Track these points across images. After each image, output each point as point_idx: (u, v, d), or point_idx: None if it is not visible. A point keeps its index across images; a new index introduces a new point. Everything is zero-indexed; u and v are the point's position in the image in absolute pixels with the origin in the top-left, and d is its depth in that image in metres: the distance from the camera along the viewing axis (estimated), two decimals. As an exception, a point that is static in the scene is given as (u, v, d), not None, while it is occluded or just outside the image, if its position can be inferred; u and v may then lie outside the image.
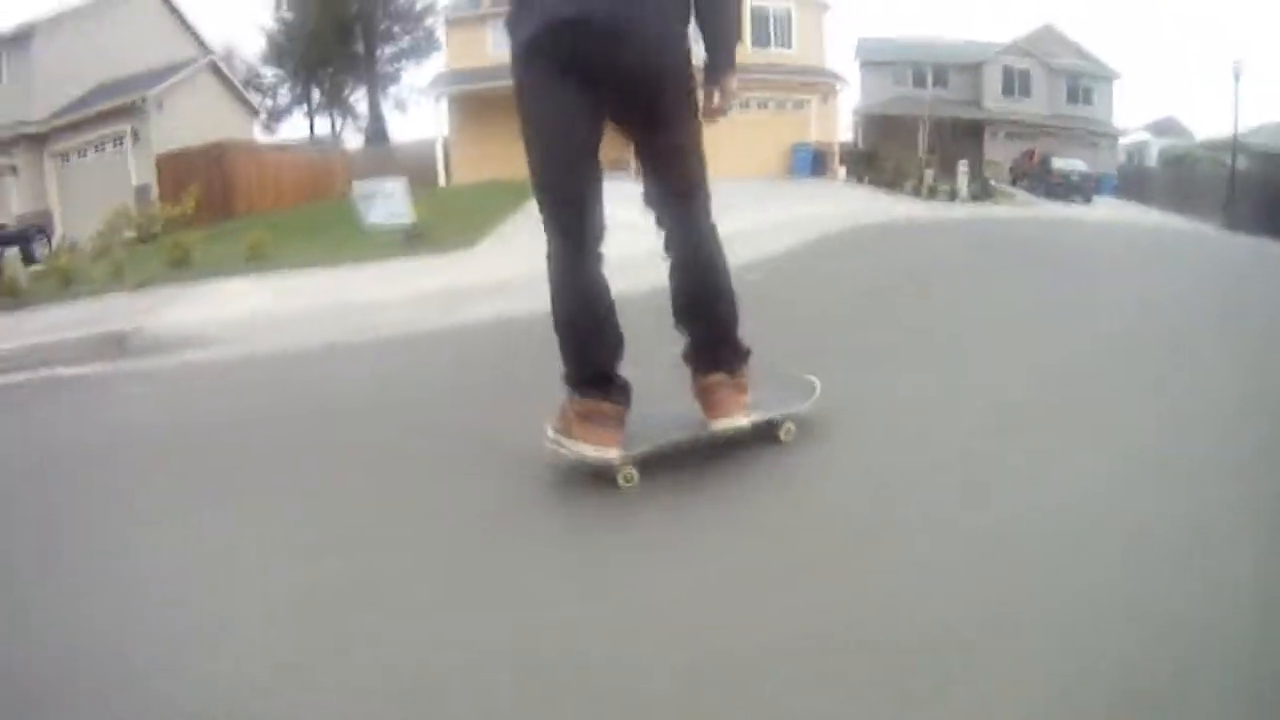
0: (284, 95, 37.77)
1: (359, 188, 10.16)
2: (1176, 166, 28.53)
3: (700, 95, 1.92)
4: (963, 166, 18.08)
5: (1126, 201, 24.93)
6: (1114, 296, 4.49)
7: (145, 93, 18.99)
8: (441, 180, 21.73)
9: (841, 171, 22.73)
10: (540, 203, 1.90)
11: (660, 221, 1.98)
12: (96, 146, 19.95)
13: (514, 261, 6.11)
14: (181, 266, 8.23)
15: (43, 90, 19.89)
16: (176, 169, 18.36)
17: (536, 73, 1.78)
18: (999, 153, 30.04)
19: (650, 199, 1.97)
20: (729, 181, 12.89)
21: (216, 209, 17.45)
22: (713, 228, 1.99)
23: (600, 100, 1.79)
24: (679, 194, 1.94)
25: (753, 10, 20.76)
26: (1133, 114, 48.54)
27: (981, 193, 18.20)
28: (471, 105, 20.18)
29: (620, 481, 1.84)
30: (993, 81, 30.60)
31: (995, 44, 30.52)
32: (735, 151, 18.04)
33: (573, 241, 1.87)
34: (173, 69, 20.40)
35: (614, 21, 1.69)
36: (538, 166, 1.85)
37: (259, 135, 34.94)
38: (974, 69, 30.92)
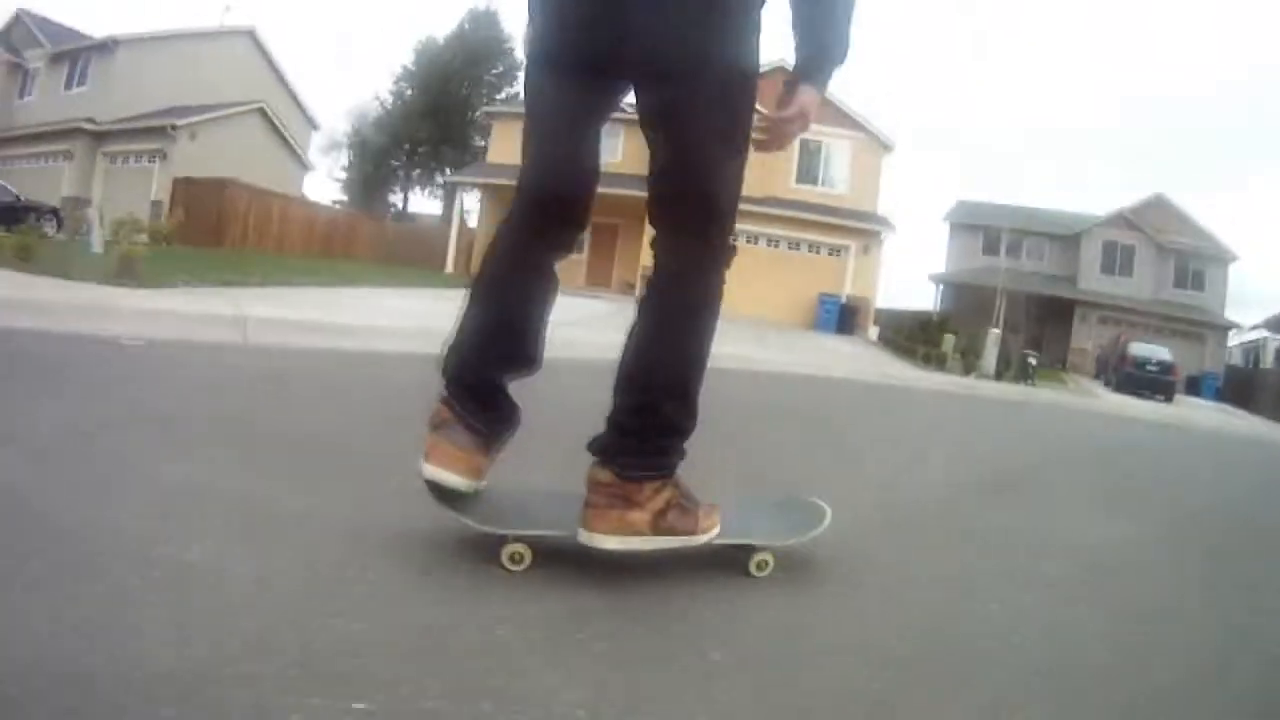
0: (388, 163, 39.53)
1: (88, 215, 10.65)
2: (1293, 369, 24.20)
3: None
4: (993, 337, 15.44)
5: (1225, 406, 20.85)
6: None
7: (176, 122, 19.88)
8: (449, 266, 21.21)
9: (873, 332, 20.40)
10: (521, 173, 1.53)
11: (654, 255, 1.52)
12: (136, 157, 21.34)
13: (163, 303, 5.61)
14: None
15: (115, 97, 21.62)
16: (186, 193, 19.00)
17: (542, 73, 1.53)
18: (1088, 338, 26.68)
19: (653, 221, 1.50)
20: (736, 324, 11.72)
21: (207, 235, 17.60)
22: (706, 298, 1.48)
23: (610, 80, 1.49)
24: (678, 225, 1.47)
25: (802, 142, 19.27)
26: (1250, 306, 42.65)
27: (1018, 372, 15.39)
28: (501, 198, 19.79)
29: (505, 560, 1.47)
30: (1090, 256, 27.59)
31: (1098, 216, 27.64)
32: (755, 292, 16.34)
33: (538, 213, 1.51)
34: (213, 108, 21.37)
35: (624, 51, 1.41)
36: (529, 140, 1.54)
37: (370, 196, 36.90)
38: (1072, 241, 28.08)
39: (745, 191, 1.52)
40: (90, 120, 21.35)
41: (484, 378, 1.52)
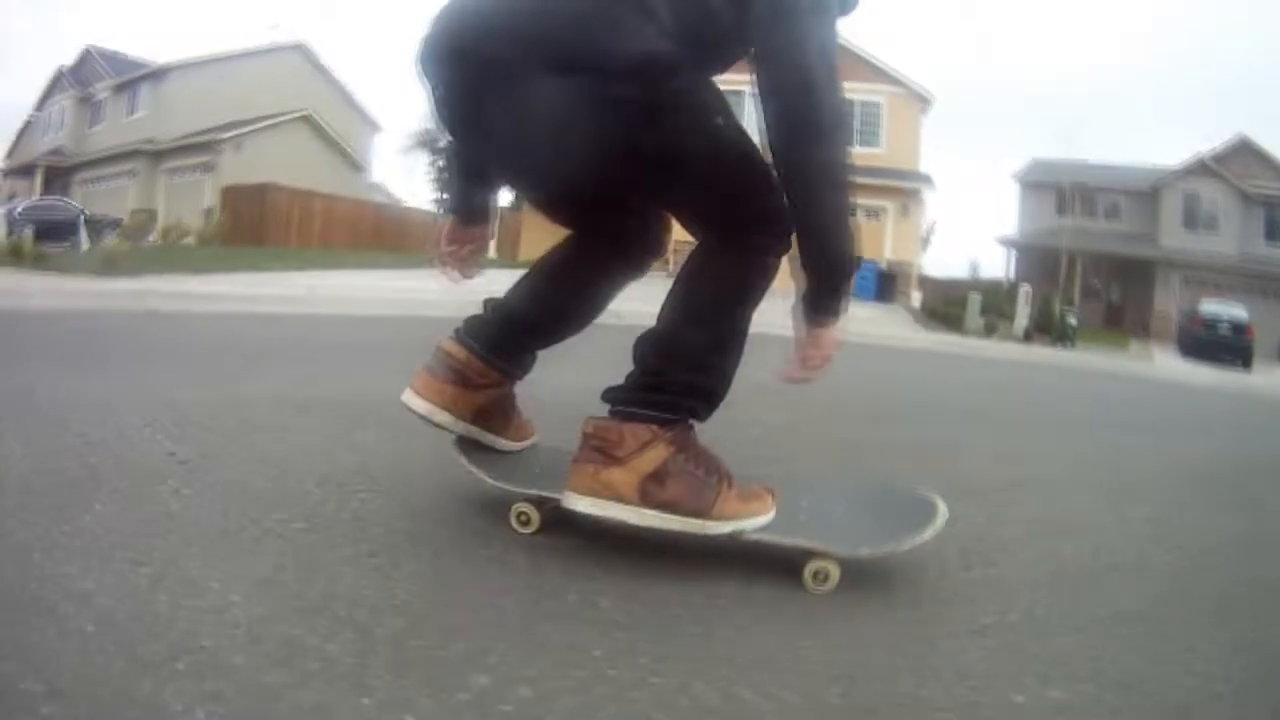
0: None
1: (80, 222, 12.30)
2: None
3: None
4: (1024, 295, 14.46)
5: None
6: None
7: (219, 136, 21.17)
8: (491, 251, 21.63)
9: (917, 298, 19.45)
10: None
11: None
12: (190, 170, 22.93)
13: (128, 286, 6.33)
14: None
15: (170, 118, 23.26)
16: (233, 199, 20.11)
17: None
18: (1171, 301, 24.52)
19: None
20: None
21: (250, 236, 18.70)
22: (737, 291, 1.34)
23: None
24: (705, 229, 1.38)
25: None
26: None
27: (1058, 334, 14.34)
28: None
29: (513, 521, 1.40)
30: (1170, 211, 25.36)
31: (1176, 167, 25.34)
32: (785, 263, 15.80)
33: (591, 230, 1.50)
34: (256, 120, 22.60)
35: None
36: None
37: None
38: (1150, 195, 25.93)
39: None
40: (150, 141, 23.08)
41: (502, 330, 1.45)
